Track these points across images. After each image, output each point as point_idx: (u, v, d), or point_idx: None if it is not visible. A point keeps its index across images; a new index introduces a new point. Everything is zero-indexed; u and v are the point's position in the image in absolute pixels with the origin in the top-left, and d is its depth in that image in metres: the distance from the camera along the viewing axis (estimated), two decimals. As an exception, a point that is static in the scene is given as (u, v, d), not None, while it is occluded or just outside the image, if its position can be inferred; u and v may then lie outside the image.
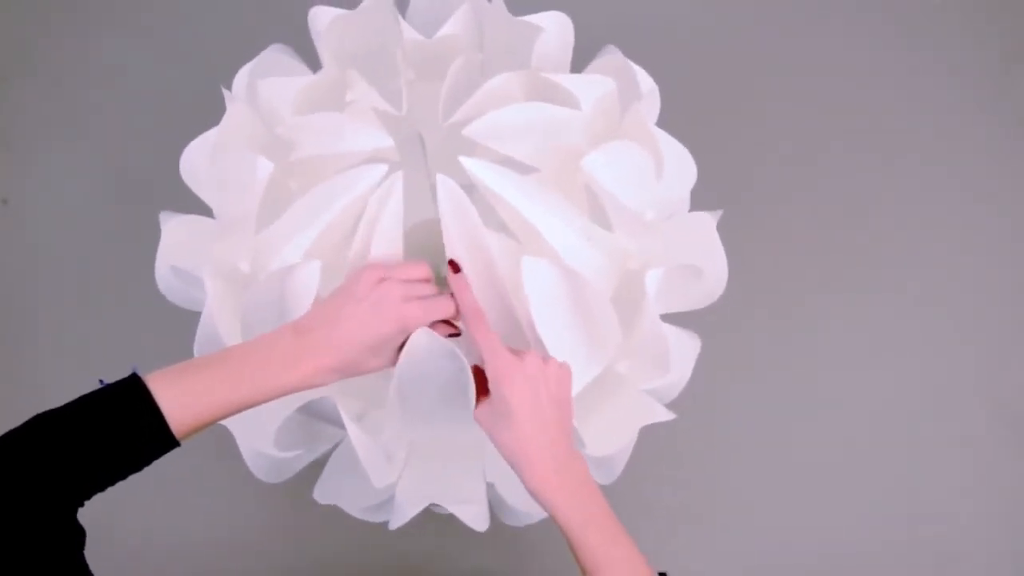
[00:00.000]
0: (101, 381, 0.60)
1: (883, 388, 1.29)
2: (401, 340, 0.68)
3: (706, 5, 1.41)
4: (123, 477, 0.59)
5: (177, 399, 0.59)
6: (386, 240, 0.70)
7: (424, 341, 0.67)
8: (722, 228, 0.82)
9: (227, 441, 0.81)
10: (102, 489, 0.59)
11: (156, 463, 0.61)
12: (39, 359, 1.29)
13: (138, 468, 0.60)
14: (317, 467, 0.89)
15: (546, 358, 0.67)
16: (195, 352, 0.77)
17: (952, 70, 1.38)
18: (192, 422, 0.60)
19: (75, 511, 0.57)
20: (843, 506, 1.26)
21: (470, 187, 0.71)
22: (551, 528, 0.66)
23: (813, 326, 1.30)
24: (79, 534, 0.57)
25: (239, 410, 0.63)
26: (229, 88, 0.84)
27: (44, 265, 1.32)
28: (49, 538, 0.54)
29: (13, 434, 0.56)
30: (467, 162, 0.69)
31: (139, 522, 1.19)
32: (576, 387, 0.71)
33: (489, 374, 0.65)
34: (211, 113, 0.84)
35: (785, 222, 1.33)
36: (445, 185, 0.68)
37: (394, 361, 0.68)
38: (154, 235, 0.82)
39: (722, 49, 1.39)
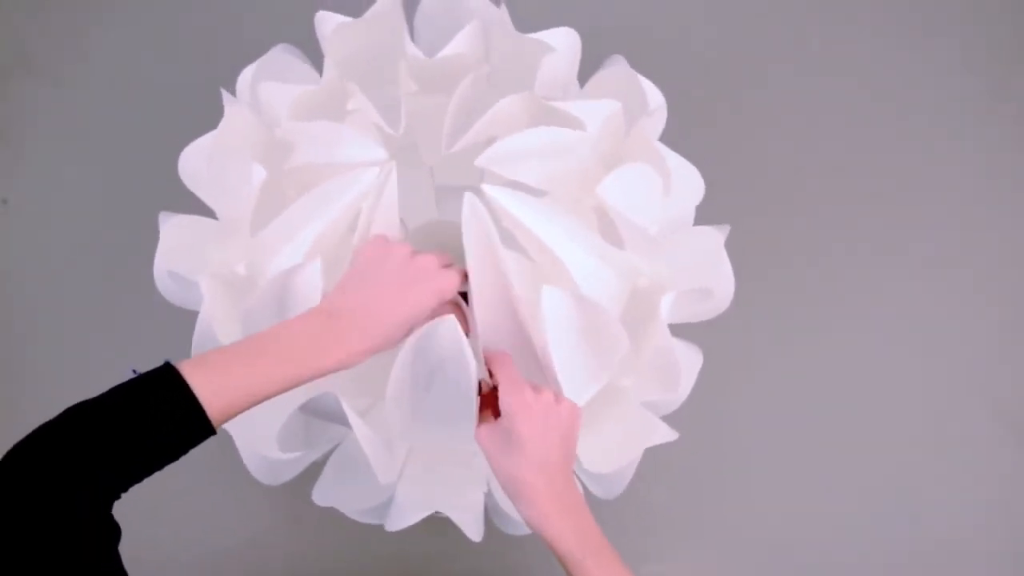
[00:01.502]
0: (134, 371, 0.59)
1: (883, 389, 1.29)
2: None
3: (707, 7, 1.40)
4: (160, 467, 0.58)
5: (212, 386, 0.58)
6: (384, 226, 0.70)
7: (437, 338, 0.67)
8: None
9: (220, 445, 0.81)
10: (139, 480, 0.58)
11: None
12: (39, 359, 1.29)
13: (175, 457, 0.59)
14: (314, 470, 0.89)
15: (559, 397, 0.68)
16: (192, 355, 0.77)
17: (953, 72, 1.37)
18: (227, 409, 0.59)
19: (111, 506, 0.56)
20: (843, 506, 1.26)
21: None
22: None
23: (812, 327, 1.30)
24: (115, 530, 0.56)
25: (274, 395, 0.62)
26: (228, 91, 0.83)
27: (44, 265, 1.31)
28: (86, 534, 0.53)
29: (48, 426, 0.54)
30: (488, 189, 0.70)
31: (132, 527, 1.19)
32: (582, 400, 0.72)
33: (504, 406, 0.66)
34: (213, 113, 0.83)
35: (784, 226, 1.33)
36: (471, 204, 0.68)
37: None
38: (155, 235, 0.81)
39: (720, 49, 1.38)
